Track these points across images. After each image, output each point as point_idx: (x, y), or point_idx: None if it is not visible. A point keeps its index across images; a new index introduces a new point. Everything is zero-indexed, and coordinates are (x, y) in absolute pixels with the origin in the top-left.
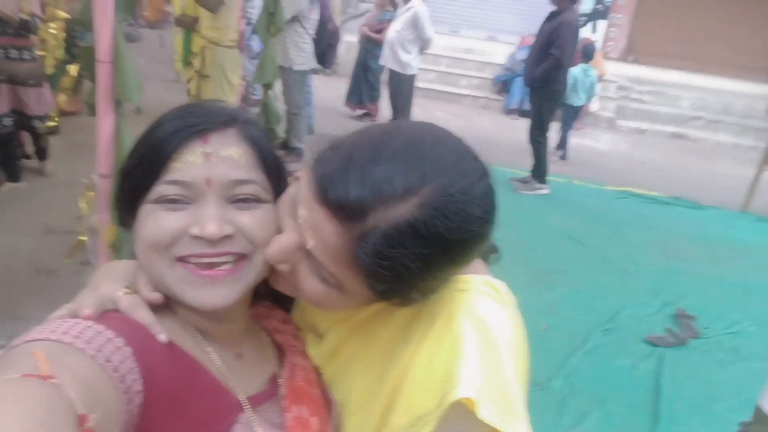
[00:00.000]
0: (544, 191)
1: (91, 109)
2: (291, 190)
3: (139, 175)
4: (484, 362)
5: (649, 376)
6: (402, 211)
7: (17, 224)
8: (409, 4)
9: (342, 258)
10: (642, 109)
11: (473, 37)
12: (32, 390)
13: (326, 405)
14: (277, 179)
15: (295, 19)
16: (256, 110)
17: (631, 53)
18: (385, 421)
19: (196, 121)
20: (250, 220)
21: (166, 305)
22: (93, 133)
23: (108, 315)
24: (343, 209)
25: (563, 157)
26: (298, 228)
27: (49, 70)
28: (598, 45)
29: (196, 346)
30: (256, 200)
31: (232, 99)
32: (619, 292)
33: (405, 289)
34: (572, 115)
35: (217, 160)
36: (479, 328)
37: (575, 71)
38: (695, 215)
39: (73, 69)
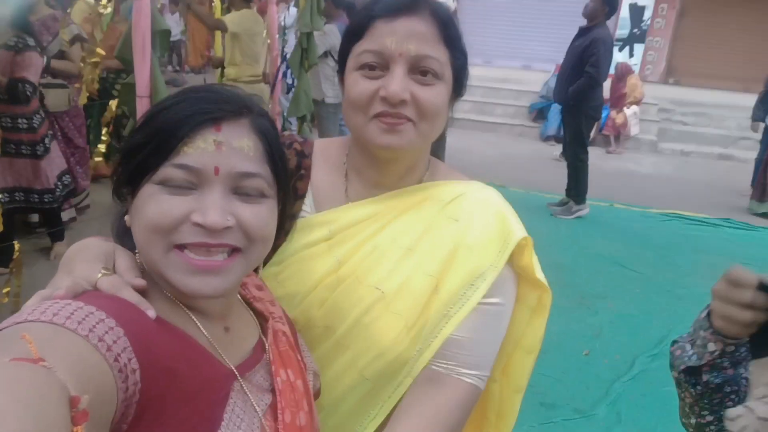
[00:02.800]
0: (585, 211)
1: None
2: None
3: (145, 154)
4: (518, 221)
5: None
6: None
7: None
8: None
9: (434, 39)
10: (685, 131)
11: (508, 67)
12: (21, 374)
13: (304, 367)
14: (282, 174)
15: (327, 53)
16: None
17: (671, 75)
18: (436, 290)
19: (210, 108)
20: (251, 215)
21: (153, 282)
22: None
23: (94, 295)
24: (418, 6)
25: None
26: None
27: (83, 101)
28: (636, 68)
29: (186, 321)
30: (260, 195)
31: None
32: (667, 316)
33: (465, 62)
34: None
35: (228, 149)
36: (504, 202)
37: None
38: (746, 237)
39: (113, 104)
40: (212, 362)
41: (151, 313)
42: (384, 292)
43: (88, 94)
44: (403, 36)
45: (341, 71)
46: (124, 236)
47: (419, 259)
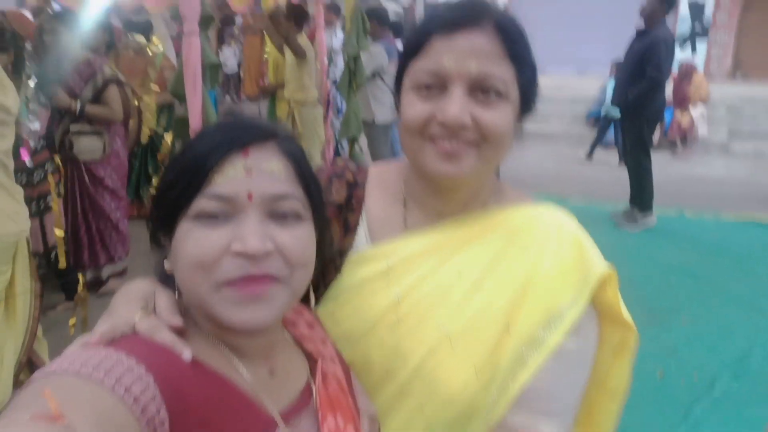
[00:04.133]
0: (651, 220)
1: None
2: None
3: (178, 190)
4: (597, 251)
5: None
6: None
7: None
8: None
9: (497, 55)
10: (758, 129)
11: (562, 73)
12: None
13: (357, 412)
14: (315, 196)
15: (375, 74)
16: None
17: (738, 70)
18: (507, 330)
19: (236, 135)
20: (289, 238)
21: (194, 323)
22: None
23: (128, 339)
24: (479, 19)
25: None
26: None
27: (144, 139)
28: (700, 66)
29: (226, 364)
30: (296, 216)
31: (319, 152)
32: (749, 331)
33: (533, 76)
34: (607, 127)
35: (258, 173)
36: (579, 229)
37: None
38: None
39: (168, 137)
40: (252, 409)
41: (187, 354)
42: (449, 332)
43: (149, 133)
44: (462, 53)
45: (397, 90)
46: (166, 281)
47: (487, 295)
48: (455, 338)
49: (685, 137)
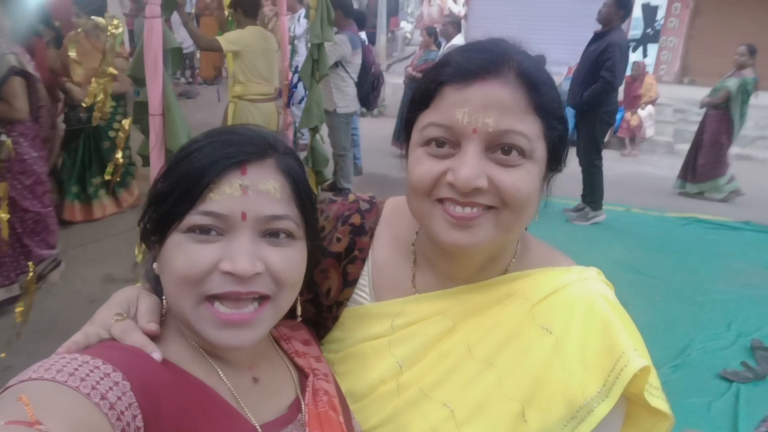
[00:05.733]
0: (601, 218)
1: (145, 160)
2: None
3: (172, 202)
4: (631, 333)
5: (725, 415)
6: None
7: (78, 272)
8: (452, 42)
9: (520, 108)
10: None
11: None
12: None
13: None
14: (309, 213)
15: (338, 64)
16: (303, 154)
17: (686, 75)
18: (523, 419)
19: (234, 151)
20: (280, 259)
21: (178, 330)
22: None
23: (108, 346)
24: (498, 66)
25: None
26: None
27: (96, 122)
28: (650, 69)
29: (208, 371)
30: (288, 236)
31: None
32: (689, 324)
33: (565, 131)
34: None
35: (254, 194)
36: (613, 306)
37: None
38: (767, 240)
39: (126, 123)
40: (233, 417)
41: (157, 356)
42: (454, 411)
43: (100, 115)
44: (478, 106)
45: (405, 144)
46: (156, 282)
47: (500, 376)
48: (461, 418)
49: (633, 137)
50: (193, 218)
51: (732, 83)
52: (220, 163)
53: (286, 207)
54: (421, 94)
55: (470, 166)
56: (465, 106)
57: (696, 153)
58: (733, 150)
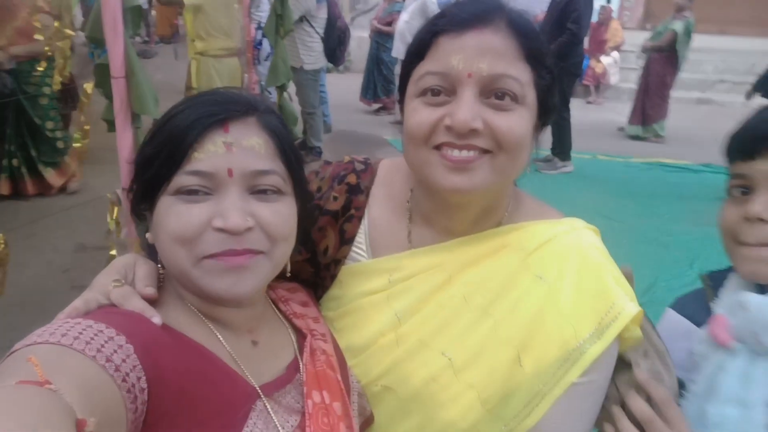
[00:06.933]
0: (569, 168)
1: (111, 125)
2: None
3: (157, 166)
4: (621, 280)
5: None
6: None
7: (50, 242)
8: None
9: (512, 55)
10: None
11: None
12: (27, 397)
13: (347, 390)
14: (296, 170)
15: (303, 19)
16: None
17: (648, 21)
18: (518, 362)
19: (216, 110)
20: (270, 213)
21: (177, 295)
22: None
23: (109, 311)
24: (491, 16)
25: None
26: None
27: (57, 86)
28: (615, 14)
29: (208, 335)
30: (277, 192)
31: None
32: (654, 264)
33: (552, 82)
34: None
35: (238, 150)
36: (604, 255)
37: None
38: None
39: (88, 87)
40: (233, 379)
41: (157, 320)
42: (452, 359)
43: (61, 80)
44: (472, 53)
45: (401, 99)
46: (153, 252)
47: (496, 323)
48: (459, 365)
49: (598, 84)
50: (180, 179)
51: (678, 25)
52: (201, 122)
53: (272, 162)
54: (416, 47)
55: (467, 109)
56: (460, 53)
57: (643, 97)
58: (693, 94)
